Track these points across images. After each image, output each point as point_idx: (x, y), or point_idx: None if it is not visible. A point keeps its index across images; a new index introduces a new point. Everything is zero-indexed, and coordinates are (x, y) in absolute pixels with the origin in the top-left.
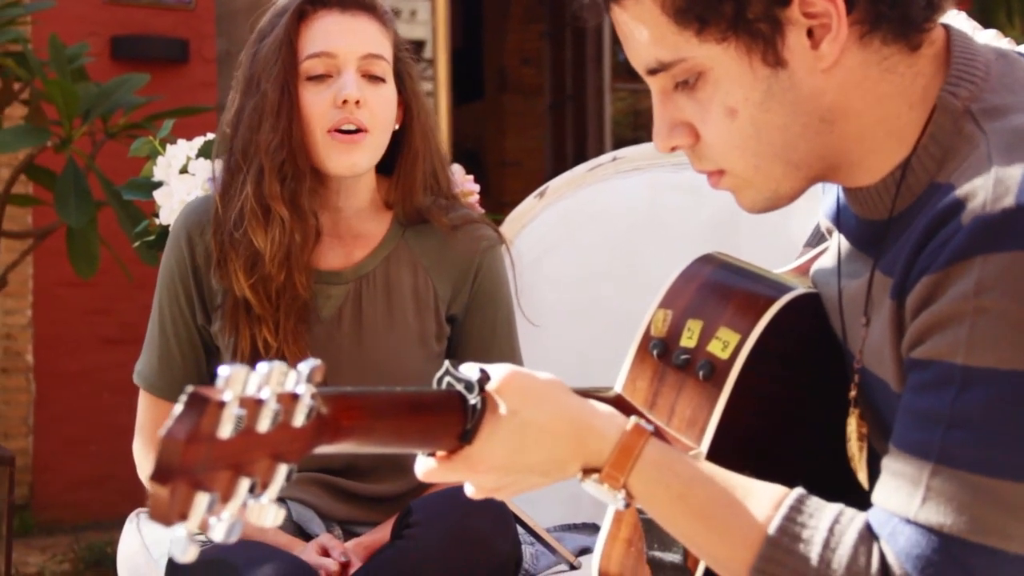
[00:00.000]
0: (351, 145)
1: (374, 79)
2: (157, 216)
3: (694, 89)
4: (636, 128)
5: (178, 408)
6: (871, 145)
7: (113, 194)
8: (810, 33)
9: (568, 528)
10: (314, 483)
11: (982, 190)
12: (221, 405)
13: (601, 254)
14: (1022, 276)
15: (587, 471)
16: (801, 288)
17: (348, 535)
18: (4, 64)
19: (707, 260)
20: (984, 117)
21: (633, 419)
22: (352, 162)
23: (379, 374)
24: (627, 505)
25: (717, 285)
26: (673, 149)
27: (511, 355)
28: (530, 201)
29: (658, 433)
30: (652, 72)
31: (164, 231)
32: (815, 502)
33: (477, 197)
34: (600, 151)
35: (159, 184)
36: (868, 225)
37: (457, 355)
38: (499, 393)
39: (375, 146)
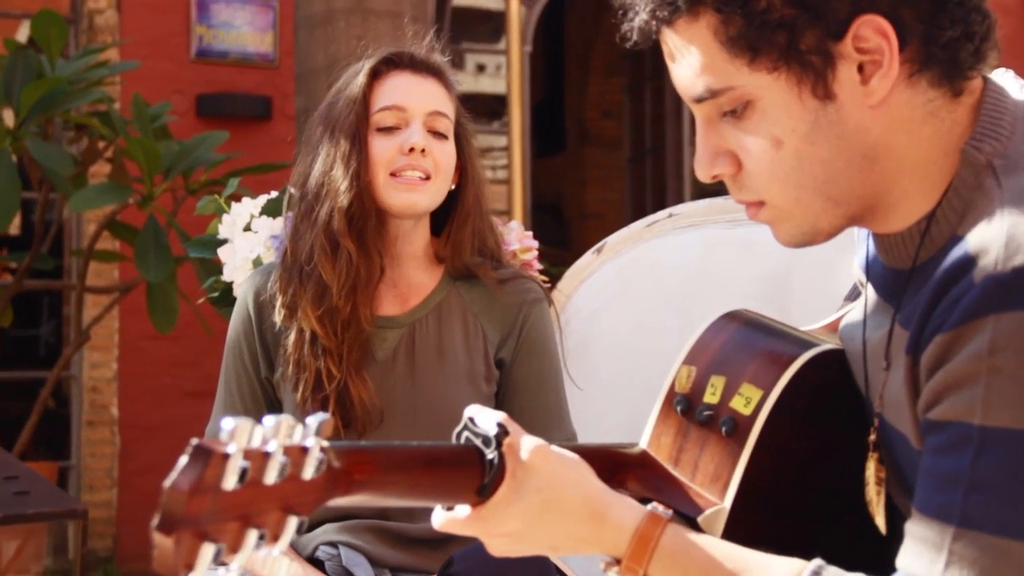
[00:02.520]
0: (413, 186)
1: (438, 135)
2: (221, 273)
3: (740, 118)
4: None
5: (183, 460)
6: (907, 188)
7: None
8: (860, 68)
9: None
10: (366, 529)
11: (994, 247)
12: (225, 457)
13: (656, 309)
14: None
15: (609, 563)
16: (825, 344)
17: None
18: (89, 123)
19: (732, 317)
20: (1004, 173)
21: (650, 507)
22: (412, 201)
23: (430, 412)
24: None
25: (741, 342)
26: (715, 178)
27: (557, 405)
28: (588, 256)
29: (678, 491)
30: (699, 100)
31: (227, 287)
32: (832, 572)
33: (535, 253)
34: (679, 203)
35: (224, 241)
36: (893, 274)
37: (505, 403)
38: (527, 469)
39: (435, 191)
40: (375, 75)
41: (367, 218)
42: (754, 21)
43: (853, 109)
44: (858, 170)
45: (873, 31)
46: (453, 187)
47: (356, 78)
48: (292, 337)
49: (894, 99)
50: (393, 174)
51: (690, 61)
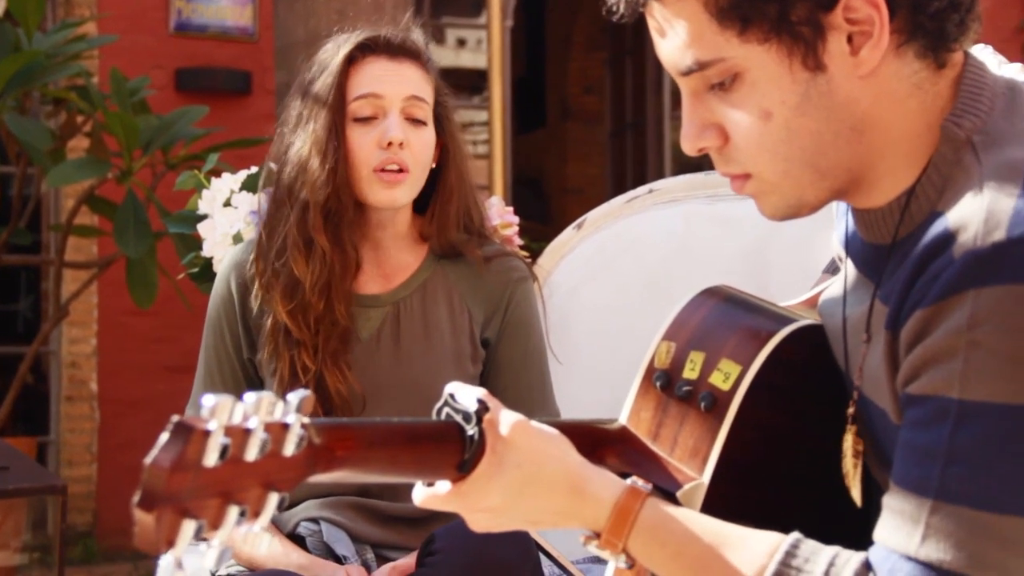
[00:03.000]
0: (393, 183)
1: (416, 122)
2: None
3: (728, 91)
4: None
5: (164, 437)
6: (891, 162)
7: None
8: (850, 39)
9: (595, 560)
10: (348, 506)
11: (973, 223)
12: (206, 434)
13: (636, 284)
14: (1014, 310)
15: (589, 537)
16: (804, 320)
17: (380, 560)
18: (68, 98)
19: (711, 293)
20: (983, 149)
21: (629, 481)
22: (393, 197)
23: (416, 392)
24: (630, 565)
25: (720, 317)
26: (701, 151)
27: (541, 384)
28: (568, 232)
29: (657, 466)
30: (687, 72)
31: (207, 263)
32: (810, 546)
33: (516, 229)
34: (660, 178)
35: (204, 217)
36: (872, 249)
37: (489, 382)
38: (507, 444)
39: (414, 183)
40: (351, 61)
41: (343, 213)
42: None
43: (843, 80)
44: (846, 142)
45: (864, 1)
46: (434, 166)
47: (331, 64)
48: (268, 324)
49: (882, 70)
50: (375, 169)
51: (678, 33)
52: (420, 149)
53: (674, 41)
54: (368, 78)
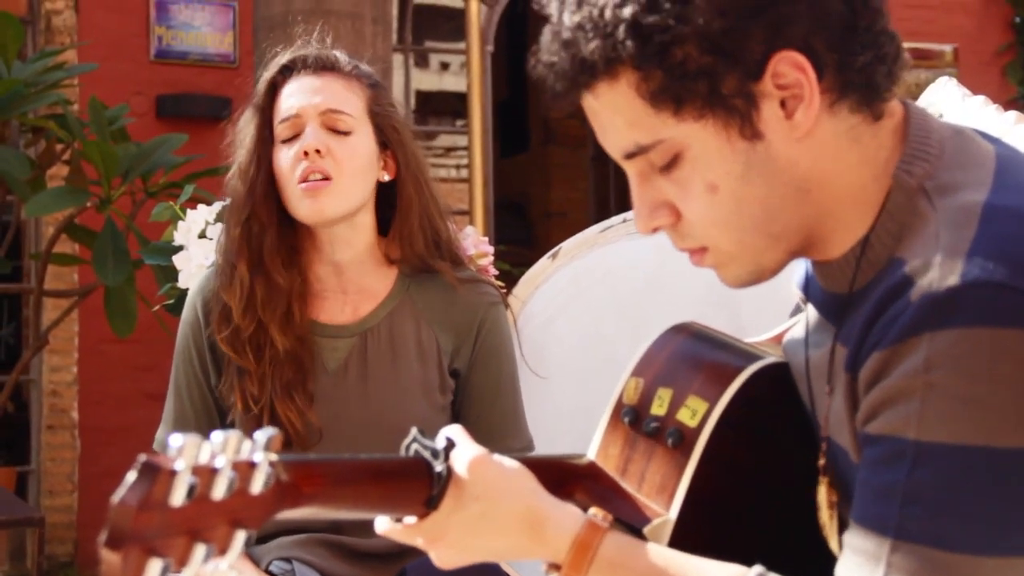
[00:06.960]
0: (315, 191)
1: (339, 133)
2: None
3: (672, 169)
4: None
5: (131, 476)
6: (841, 216)
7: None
8: (783, 104)
9: None
10: (319, 543)
11: (930, 268)
12: (173, 474)
13: (609, 314)
14: (968, 352)
15: (550, 568)
16: (770, 358)
17: None
18: (47, 126)
19: (679, 329)
20: (936, 194)
21: (590, 513)
22: (318, 208)
23: (384, 424)
24: None
25: (687, 354)
26: (655, 230)
27: (513, 412)
28: (543, 262)
29: (625, 502)
30: (630, 156)
31: (183, 294)
32: None
33: (491, 259)
34: None
35: (180, 248)
36: (832, 297)
37: (462, 410)
38: (466, 478)
39: (341, 193)
40: (274, 86)
41: (262, 234)
42: (674, 73)
43: (781, 145)
44: (794, 203)
45: (790, 66)
46: (388, 179)
47: (258, 91)
48: (228, 357)
49: (819, 129)
50: (300, 182)
51: (616, 121)
52: (344, 157)
53: (613, 129)
54: (287, 99)
